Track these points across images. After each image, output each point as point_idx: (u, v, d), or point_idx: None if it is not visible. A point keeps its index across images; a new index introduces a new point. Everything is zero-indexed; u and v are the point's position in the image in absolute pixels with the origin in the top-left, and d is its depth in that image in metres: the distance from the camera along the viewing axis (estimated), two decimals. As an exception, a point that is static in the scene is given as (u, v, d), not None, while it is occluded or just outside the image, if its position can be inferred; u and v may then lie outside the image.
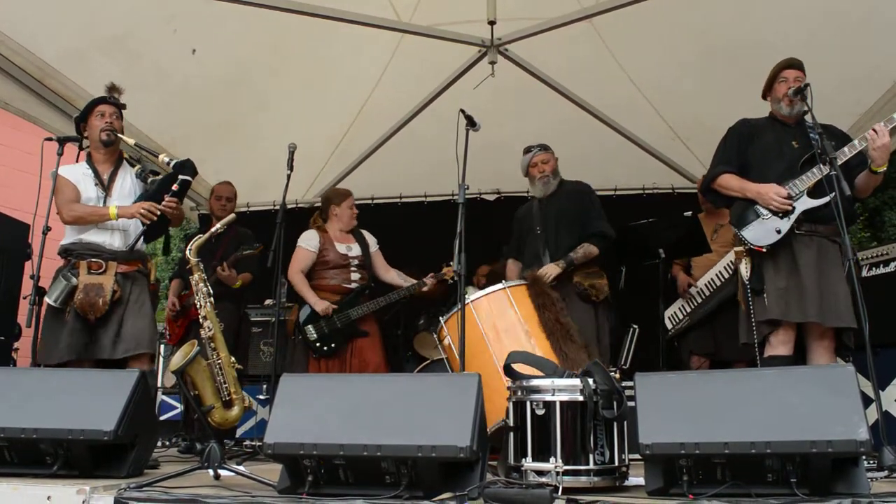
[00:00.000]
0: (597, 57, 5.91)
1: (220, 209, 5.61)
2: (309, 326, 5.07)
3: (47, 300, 3.89)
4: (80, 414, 2.89)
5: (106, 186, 4.09)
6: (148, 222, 4.00)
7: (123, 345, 3.92)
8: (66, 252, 4.03)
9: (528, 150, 5.03)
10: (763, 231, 3.83)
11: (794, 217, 3.77)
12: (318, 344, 5.04)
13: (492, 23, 5.09)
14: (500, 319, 3.97)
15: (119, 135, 4.12)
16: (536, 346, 3.81)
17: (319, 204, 7.27)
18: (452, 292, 5.04)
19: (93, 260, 3.96)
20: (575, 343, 3.86)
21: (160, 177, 4.16)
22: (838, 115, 4.54)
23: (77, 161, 4.22)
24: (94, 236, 4.01)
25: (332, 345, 5.04)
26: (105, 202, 4.05)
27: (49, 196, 3.98)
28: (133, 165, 4.21)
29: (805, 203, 3.78)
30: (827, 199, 3.66)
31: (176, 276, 5.72)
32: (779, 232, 3.79)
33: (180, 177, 3.98)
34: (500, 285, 4.09)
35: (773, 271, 3.81)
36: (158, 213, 3.97)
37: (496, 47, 5.25)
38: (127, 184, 4.16)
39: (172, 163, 4.04)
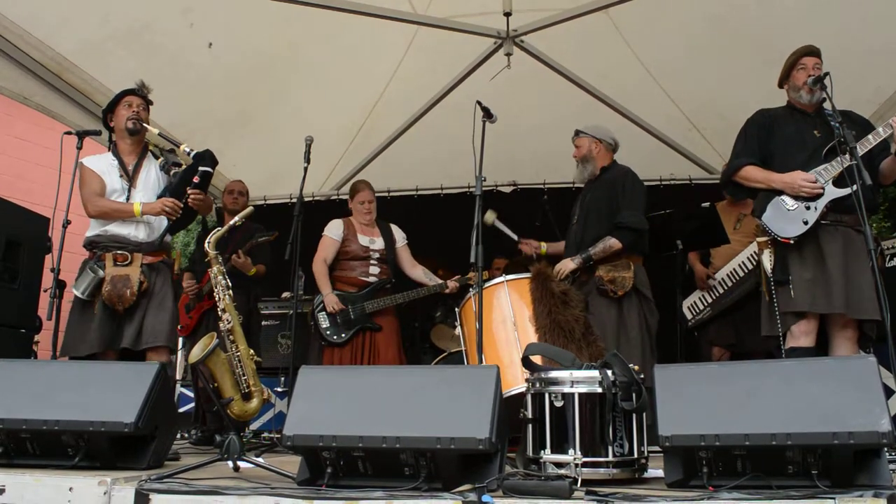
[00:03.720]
0: (613, 47, 5.88)
1: (232, 202, 5.69)
2: (322, 314, 5.11)
3: (75, 292, 3.93)
4: (101, 406, 2.91)
5: (130, 178, 4.12)
6: (173, 218, 4.04)
7: (144, 337, 3.97)
8: (91, 244, 4.08)
9: None
10: (790, 223, 3.79)
11: (820, 207, 3.73)
12: (328, 332, 5.08)
13: (507, 14, 5.08)
14: (495, 311, 4.04)
15: (144, 124, 4.15)
16: (519, 338, 3.86)
17: (335, 197, 7.37)
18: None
19: (118, 252, 4.01)
20: (571, 338, 3.83)
21: (182, 168, 4.18)
22: (858, 103, 4.49)
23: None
24: (118, 228, 4.04)
25: (342, 335, 5.07)
26: (129, 193, 4.08)
27: (69, 187, 4.01)
28: (157, 157, 4.24)
29: (831, 192, 3.73)
30: (849, 190, 3.63)
31: (187, 269, 5.78)
32: (806, 223, 3.75)
33: (200, 168, 4.02)
34: (500, 278, 4.16)
35: (798, 262, 3.78)
36: (182, 208, 4.01)
37: (512, 39, 5.23)
38: (151, 175, 4.20)
39: (192, 153, 4.06)
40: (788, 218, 3.80)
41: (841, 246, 3.72)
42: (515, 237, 4.94)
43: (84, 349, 3.88)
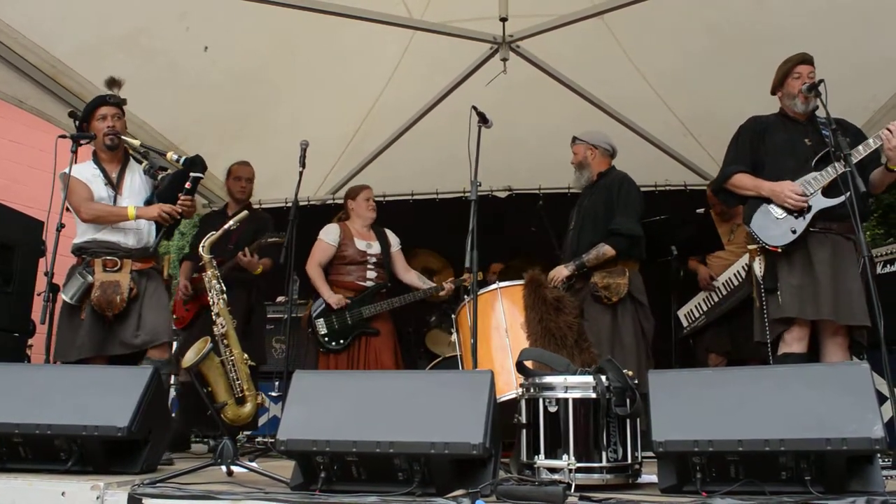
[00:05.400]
0: (608, 53, 5.89)
1: (240, 191, 5.48)
2: (320, 320, 5.09)
3: (63, 297, 3.93)
4: (94, 410, 2.91)
5: (115, 186, 4.11)
6: (167, 224, 4.04)
7: (143, 336, 3.96)
8: (80, 250, 4.07)
9: None
10: (778, 231, 3.81)
11: (809, 217, 3.74)
12: (326, 339, 5.07)
13: (503, 19, 5.08)
14: (490, 317, 4.05)
15: (123, 136, 4.13)
16: (511, 345, 3.87)
17: (331, 201, 7.36)
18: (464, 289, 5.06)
19: (108, 257, 4.00)
20: (563, 345, 3.84)
21: (168, 172, 4.16)
22: (853, 111, 4.50)
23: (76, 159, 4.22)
24: (108, 235, 4.04)
25: (341, 341, 5.06)
26: (116, 201, 4.08)
27: (62, 197, 4.00)
28: (140, 162, 4.22)
29: (820, 202, 3.75)
30: (842, 198, 3.64)
31: (187, 258, 5.62)
32: (794, 232, 3.76)
33: (192, 174, 4.01)
34: (494, 285, 4.17)
35: (787, 269, 3.79)
36: (178, 214, 4.01)
37: (508, 44, 5.23)
38: (136, 182, 4.19)
39: (182, 159, 4.05)
40: (777, 226, 3.82)
41: (830, 253, 3.74)
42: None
43: (73, 354, 3.87)
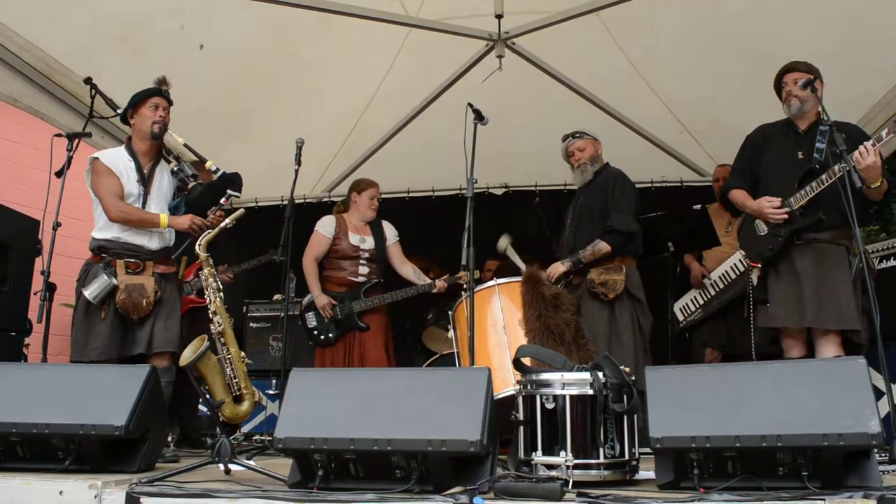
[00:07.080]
0: (604, 50, 5.88)
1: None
2: (310, 314, 5.13)
3: (86, 294, 3.85)
4: (91, 409, 2.90)
5: (146, 183, 4.07)
6: (196, 236, 4.05)
7: (156, 342, 3.93)
8: (100, 249, 3.99)
9: (564, 138, 4.87)
10: (758, 247, 4.00)
11: (785, 235, 3.85)
12: (315, 332, 5.08)
13: (499, 16, 5.08)
14: (487, 314, 4.08)
15: (169, 132, 4.11)
16: (509, 342, 3.91)
17: (327, 199, 7.36)
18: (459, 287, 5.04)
19: (130, 260, 3.95)
20: (561, 342, 3.86)
21: (200, 182, 4.13)
22: (847, 108, 4.51)
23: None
24: (133, 237, 3.99)
25: (330, 335, 5.08)
26: (145, 199, 4.04)
27: (59, 189, 3.97)
28: (169, 161, 4.19)
29: (796, 222, 3.84)
30: (814, 219, 3.77)
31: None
32: (771, 250, 3.91)
33: (229, 191, 4.02)
34: (492, 282, 4.20)
35: (773, 281, 3.94)
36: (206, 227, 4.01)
37: (503, 41, 5.24)
38: (165, 181, 4.16)
39: (220, 173, 4.03)
40: (758, 242, 3.99)
41: (813, 262, 3.83)
42: (523, 267, 4.91)
43: (91, 355, 3.80)
